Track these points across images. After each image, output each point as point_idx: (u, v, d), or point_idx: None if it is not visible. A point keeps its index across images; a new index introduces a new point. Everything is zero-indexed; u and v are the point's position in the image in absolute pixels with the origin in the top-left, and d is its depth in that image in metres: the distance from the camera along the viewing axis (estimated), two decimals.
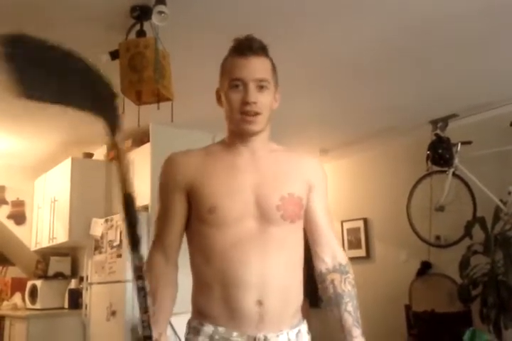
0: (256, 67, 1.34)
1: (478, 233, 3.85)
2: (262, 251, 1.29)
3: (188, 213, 1.40)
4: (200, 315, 1.34)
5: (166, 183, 1.41)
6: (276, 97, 1.42)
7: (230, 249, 1.29)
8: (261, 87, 1.33)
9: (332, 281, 1.41)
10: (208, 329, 1.30)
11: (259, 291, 1.27)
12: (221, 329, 1.29)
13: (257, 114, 1.32)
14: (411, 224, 4.47)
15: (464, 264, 3.74)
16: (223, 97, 1.38)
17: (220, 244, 1.30)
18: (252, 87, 1.32)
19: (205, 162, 1.39)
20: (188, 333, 1.36)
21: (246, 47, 1.34)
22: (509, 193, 3.83)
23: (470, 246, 3.83)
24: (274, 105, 1.41)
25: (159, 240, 1.40)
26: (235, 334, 1.27)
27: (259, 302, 1.27)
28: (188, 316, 1.38)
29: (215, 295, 1.29)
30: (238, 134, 1.38)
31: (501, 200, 3.87)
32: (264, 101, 1.34)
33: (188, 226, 1.41)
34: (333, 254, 1.44)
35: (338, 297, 1.39)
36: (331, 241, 1.45)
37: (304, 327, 1.38)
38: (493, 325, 3.50)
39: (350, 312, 1.37)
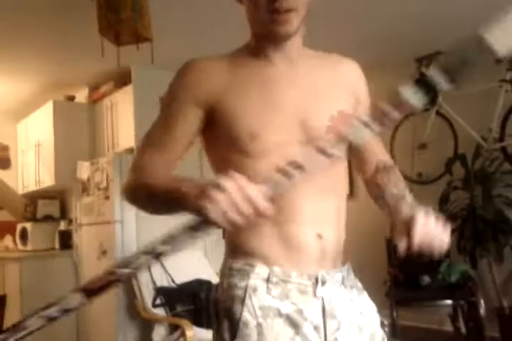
0: None
1: (458, 170, 3.94)
2: (312, 180, 1.01)
3: (206, 136, 1.15)
4: (245, 254, 1.10)
5: (180, 91, 1.12)
6: None
7: None
8: None
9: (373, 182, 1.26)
10: (262, 270, 1.07)
11: (316, 224, 1.10)
12: (277, 269, 1.07)
13: (289, 10, 1.02)
14: (393, 162, 4.53)
15: (443, 199, 3.86)
16: None
17: (263, 175, 1.00)
18: None
19: (230, 72, 1.11)
20: (230, 276, 1.11)
21: None
22: (490, 130, 3.88)
23: (450, 182, 3.94)
24: None
25: (156, 148, 1.11)
26: (294, 274, 1.07)
27: (319, 236, 1.09)
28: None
29: (267, 234, 1.08)
30: (267, 38, 1.10)
31: (482, 137, 3.93)
32: None
33: (212, 155, 1.17)
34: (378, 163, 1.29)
35: (379, 190, 1.23)
36: (378, 156, 1.32)
37: (349, 263, 1.22)
38: (469, 255, 3.67)
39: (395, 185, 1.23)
